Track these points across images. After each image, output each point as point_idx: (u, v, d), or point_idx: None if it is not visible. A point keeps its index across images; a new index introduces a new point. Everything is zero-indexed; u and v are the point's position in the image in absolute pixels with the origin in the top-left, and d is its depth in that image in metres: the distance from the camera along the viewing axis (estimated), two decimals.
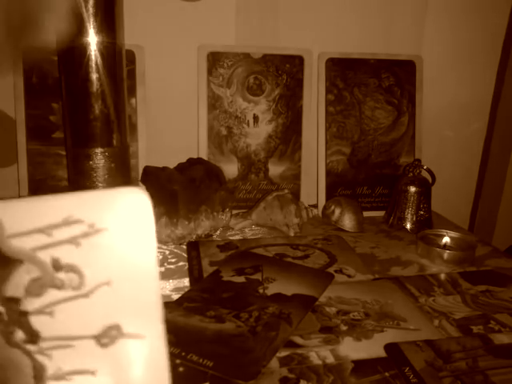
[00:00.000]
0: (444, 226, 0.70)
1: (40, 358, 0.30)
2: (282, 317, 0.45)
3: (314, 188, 0.80)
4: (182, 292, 0.50)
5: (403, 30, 0.81)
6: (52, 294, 0.29)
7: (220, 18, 0.74)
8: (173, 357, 0.39)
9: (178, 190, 0.61)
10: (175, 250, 0.62)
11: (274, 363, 0.39)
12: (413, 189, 0.70)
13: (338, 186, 0.79)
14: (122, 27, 0.59)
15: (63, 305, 0.29)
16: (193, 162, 0.69)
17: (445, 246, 0.63)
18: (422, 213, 0.70)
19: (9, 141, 0.71)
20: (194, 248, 0.62)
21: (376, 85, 0.79)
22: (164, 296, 0.50)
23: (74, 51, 0.55)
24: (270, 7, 0.75)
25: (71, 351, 0.30)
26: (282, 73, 0.76)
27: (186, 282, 0.54)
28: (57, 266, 0.29)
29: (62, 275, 0.29)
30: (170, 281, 0.54)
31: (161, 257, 0.60)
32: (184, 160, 0.70)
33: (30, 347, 0.30)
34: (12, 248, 0.28)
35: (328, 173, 0.78)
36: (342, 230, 0.70)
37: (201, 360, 0.38)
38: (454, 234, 0.64)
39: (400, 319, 0.46)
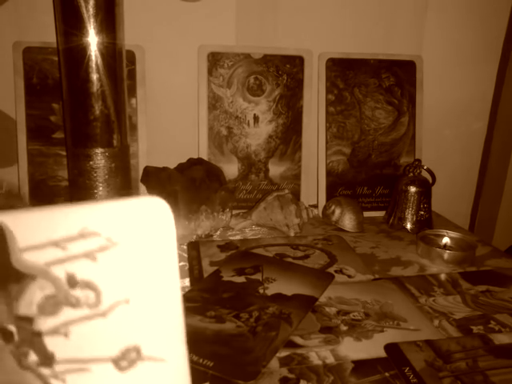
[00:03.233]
0: (444, 226, 0.70)
1: (54, 382, 0.28)
2: (282, 317, 0.45)
3: (314, 188, 0.80)
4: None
5: (403, 30, 0.81)
6: (67, 313, 0.27)
7: (220, 18, 0.74)
8: None
9: (178, 190, 0.61)
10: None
11: (274, 363, 0.39)
12: (413, 189, 0.70)
13: (338, 186, 0.79)
14: (122, 27, 0.59)
15: (79, 324, 0.27)
16: (193, 162, 0.69)
17: (445, 246, 0.63)
18: (422, 213, 0.70)
19: (9, 141, 0.72)
20: (194, 248, 0.62)
21: (376, 85, 0.79)
22: None
23: (74, 51, 0.55)
24: (270, 7, 0.75)
25: (87, 375, 0.28)
26: (282, 73, 0.76)
27: (186, 282, 0.54)
28: (72, 282, 0.26)
29: (77, 292, 0.27)
30: None
31: None
32: (184, 160, 0.70)
33: (44, 370, 0.27)
34: (25, 262, 0.26)
35: (328, 173, 0.78)
36: (342, 230, 0.70)
37: (201, 360, 0.38)
38: (454, 234, 0.64)
39: (400, 319, 0.46)
